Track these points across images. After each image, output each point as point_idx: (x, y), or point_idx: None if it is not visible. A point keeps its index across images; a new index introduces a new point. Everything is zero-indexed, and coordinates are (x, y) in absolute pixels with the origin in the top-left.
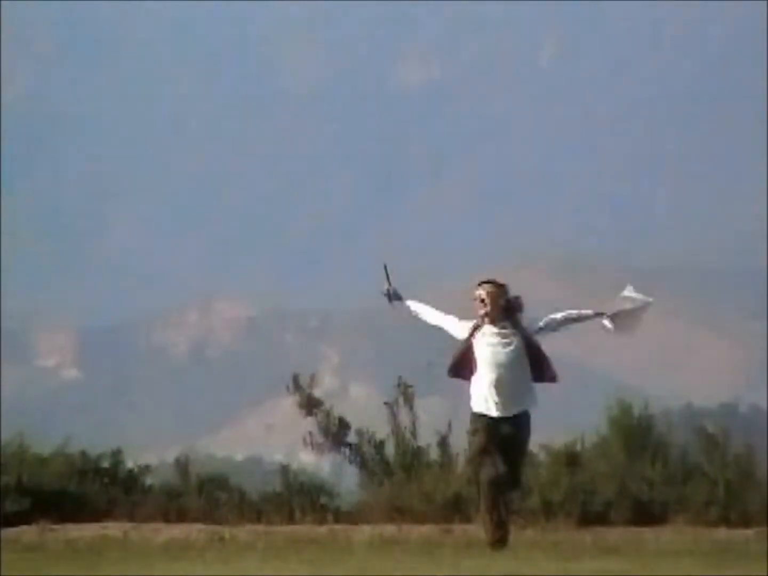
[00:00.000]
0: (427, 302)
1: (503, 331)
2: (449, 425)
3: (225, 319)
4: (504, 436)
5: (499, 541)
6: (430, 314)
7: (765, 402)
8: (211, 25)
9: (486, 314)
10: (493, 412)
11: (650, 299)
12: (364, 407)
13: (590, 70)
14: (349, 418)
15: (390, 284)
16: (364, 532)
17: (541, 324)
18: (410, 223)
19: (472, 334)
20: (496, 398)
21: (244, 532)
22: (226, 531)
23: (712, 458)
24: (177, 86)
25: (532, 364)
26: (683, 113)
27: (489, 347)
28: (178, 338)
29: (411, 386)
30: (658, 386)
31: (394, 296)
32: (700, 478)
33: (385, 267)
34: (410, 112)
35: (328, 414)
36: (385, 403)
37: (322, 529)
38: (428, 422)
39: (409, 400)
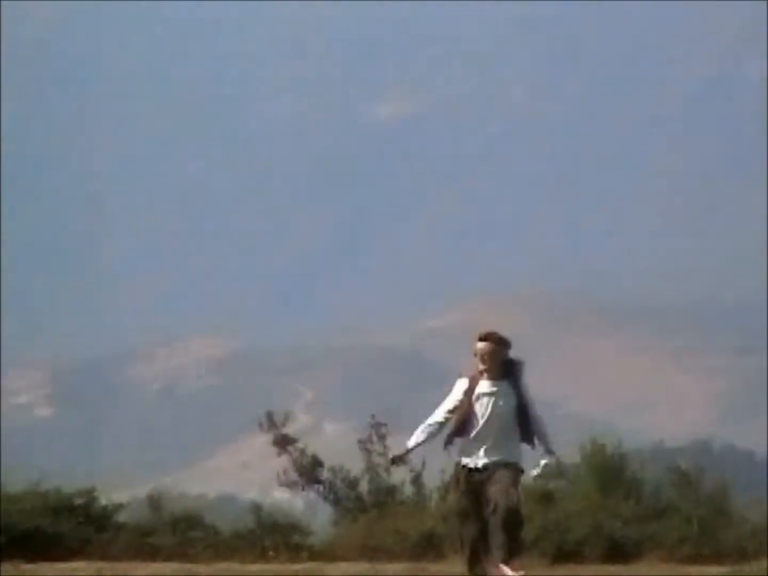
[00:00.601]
0: None
1: (501, 384)
2: (423, 463)
3: (198, 357)
4: (486, 477)
5: None
6: (433, 420)
7: (737, 439)
8: (186, 54)
9: (485, 370)
10: (479, 463)
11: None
12: (337, 445)
13: (563, 106)
14: (322, 455)
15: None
16: (338, 569)
17: (526, 400)
18: (382, 258)
19: (471, 391)
20: (482, 452)
21: (218, 570)
22: (199, 569)
23: (685, 495)
24: (141, 125)
25: (521, 425)
26: (652, 151)
27: (484, 398)
28: (152, 376)
29: (384, 424)
30: (631, 424)
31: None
32: (674, 515)
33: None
34: (384, 147)
35: (301, 451)
36: (359, 441)
37: (296, 567)
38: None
39: (382, 438)
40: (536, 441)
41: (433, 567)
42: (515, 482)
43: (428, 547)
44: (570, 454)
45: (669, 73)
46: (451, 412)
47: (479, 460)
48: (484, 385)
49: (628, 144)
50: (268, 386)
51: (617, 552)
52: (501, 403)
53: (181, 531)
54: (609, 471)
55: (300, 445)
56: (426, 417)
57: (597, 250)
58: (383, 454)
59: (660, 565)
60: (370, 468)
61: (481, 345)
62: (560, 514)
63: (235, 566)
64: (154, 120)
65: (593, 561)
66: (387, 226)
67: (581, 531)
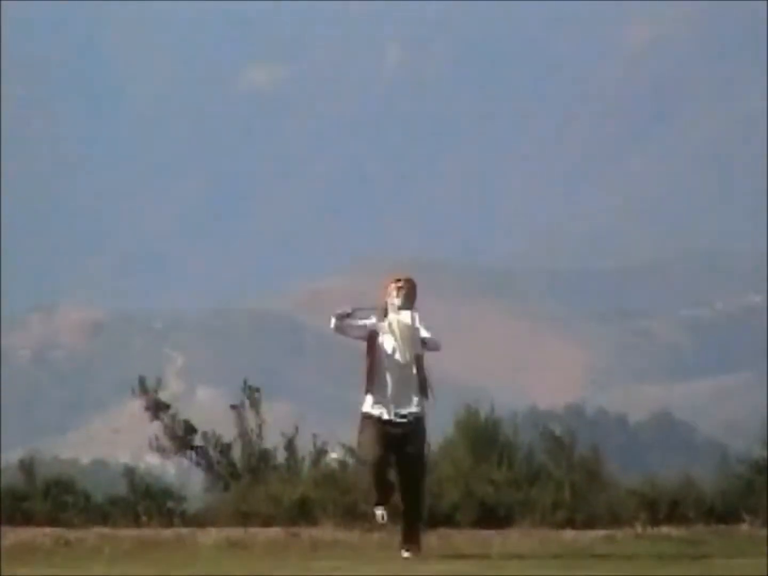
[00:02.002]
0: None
1: (412, 315)
2: (296, 428)
3: (70, 322)
4: (397, 438)
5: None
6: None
7: (610, 404)
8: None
9: (396, 304)
10: (385, 415)
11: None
12: (210, 410)
13: (437, 71)
14: (195, 421)
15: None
16: (210, 535)
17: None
18: (257, 224)
19: (379, 320)
20: (393, 401)
21: (91, 535)
22: (72, 535)
23: (558, 460)
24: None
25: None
26: (526, 116)
27: (391, 335)
28: (23, 341)
29: (257, 389)
30: (504, 389)
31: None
32: (546, 481)
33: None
34: (257, 114)
35: (174, 417)
36: (232, 406)
37: (168, 533)
38: (274, 425)
39: (255, 403)
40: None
41: (307, 532)
42: (422, 462)
43: (301, 512)
44: (443, 419)
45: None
46: (359, 324)
47: (387, 412)
48: (393, 318)
49: (506, 110)
50: (140, 352)
51: (490, 517)
52: (411, 328)
53: (54, 496)
54: (482, 436)
55: (172, 411)
56: (302, 382)
57: (472, 218)
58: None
59: (533, 531)
60: (243, 434)
61: (397, 280)
62: (433, 480)
63: (108, 531)
64: None
65: (466, 526)
66: (266, 189)
67: (453, 496)
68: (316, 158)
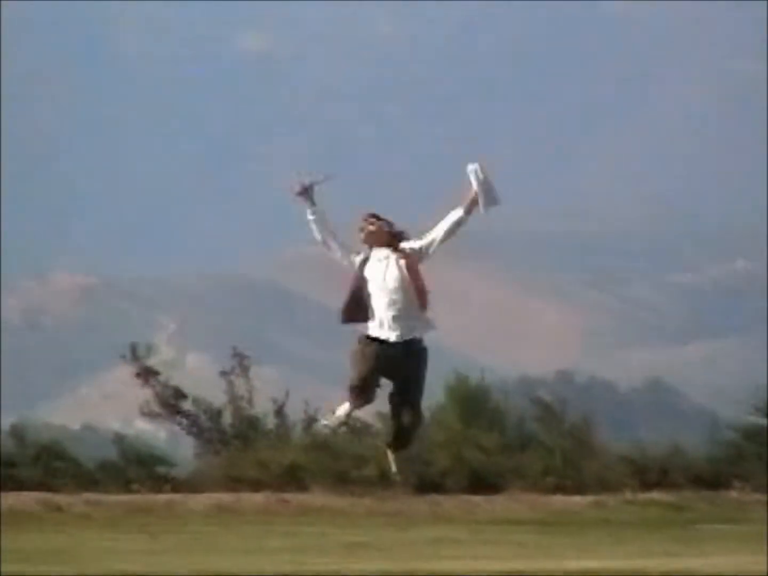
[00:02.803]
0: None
1: (392, 255)
2: (286, 394)
3: (61, 288)
4: (397, 362)
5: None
6: (327, 235)
7: (601, 371)
8: None
9: (368, 241)
10: (390, 336)
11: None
12: (200, 377)
13: (425, 36)
14: (185, 387)
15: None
16: (200, 501)
17: (422, 244)
18: (246, 190)
19: (362, 267)
20: (391, 322)
21: (81, 501)
22: (62, 500)
23: (548, 427)
24: None
25: (417, 289)
26: (519, 74)
27: (378, 271)
28: (13, 306)
29: (247, 356)
30: (495, 356)
31: (310, 192)
32: (537, 447)
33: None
34: (248, 81)
35: (164, 383)
36: (222, 373)
37: (159, 498)
38: (264, 391)
39: (245, 370)
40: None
41: (295, 498)
42: (420, 382)
43: (290, 478)
44: (433, 386)
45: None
46: (330, 247)
47: (391, 334)
48: (374, 256)
49: (495, 73)
50: (131, 318)
51: (480, 483)
52: (398, 270)
53: (44, 462)
54: (472, 403)
55: (163, 377)
56: (290, 348)
57: (460, 183)
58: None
59: (523, 496)
60: (233, 400)
61: (362, 223)
62: (423, 446)
63: (98, 497)
64: None
65: (456, 492)
66: (256, 155)
67: (444, 462)
68: (305, 124)
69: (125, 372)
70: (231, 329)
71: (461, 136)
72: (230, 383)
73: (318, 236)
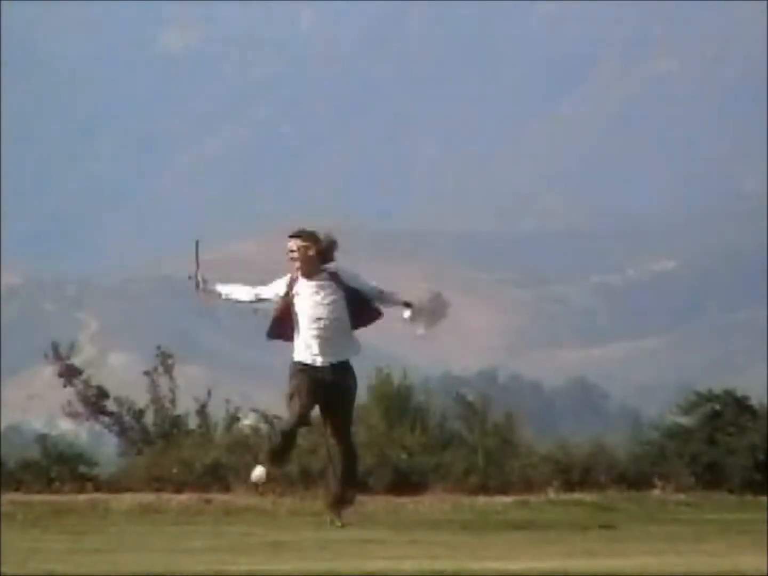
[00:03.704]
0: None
1: (320, 282)
2: (209, 393)
3: None
4: (326, 385)
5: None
6: (242, 291)
7: (524, 370)
8: None
9: (298, 268)
10: (316, 362)
11: (449, 302)
12: (123, 376)
13: (350, 33)
14: (108, 386)
15: (198, 267)
16: (123, 500)
17: (356, 285)
18: (171, 188)
19: (289, 289)
20: (317, 349)
21: (4, 501)
22: None
23: (471, 426)
24: None
25: (352, 312)
26: (448, 72)
27: (308, 300)
28: None
29: (170, 355)
30: (417, 354)
31: (202, 282)
32: (460, 446)
33: (197, 245)
34: (171, 80)
35: (87, 383)
36: (145, 372)
37: (82, 498)
38: (187, 390)
39: (168, 369)
40: (377, 304)
41: (219, 497)
42: (349, 404)
43: (214, 477)
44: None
45: None
46: (260, 296)
47: (317, 359)
48: (303, 284)
49: (420, 71)
50: (53, 317)
51: (403, 483)
52: (329, 297)
53: None
54: (395, 401)
55: (85, 376)
56: (213, 347)
57: (386, 181)
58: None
59: (446, 496)
60: (156, 399)
61: (289, 243)
62: None
63: (21, 497)
64: None
65: (379, 492)
66: (179, 153)
67: (367, 462)
68: (229, 122)
69: (48, 372)
70: (154, 328)
71: (389, 134)
72: (153, 383)
73: (246, 300)
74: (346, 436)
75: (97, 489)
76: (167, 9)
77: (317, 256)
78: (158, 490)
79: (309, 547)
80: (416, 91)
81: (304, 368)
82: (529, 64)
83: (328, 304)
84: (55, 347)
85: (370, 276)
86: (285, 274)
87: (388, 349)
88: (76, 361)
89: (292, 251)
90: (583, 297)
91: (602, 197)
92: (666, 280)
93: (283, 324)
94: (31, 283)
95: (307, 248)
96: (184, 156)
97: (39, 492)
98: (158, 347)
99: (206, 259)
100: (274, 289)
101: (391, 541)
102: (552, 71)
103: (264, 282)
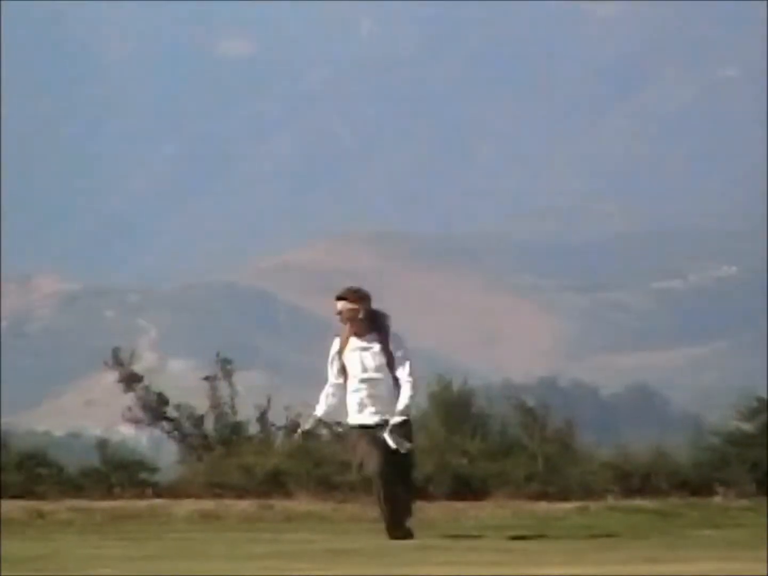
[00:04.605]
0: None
1: (369, 338)
2: (268, 400)
3: (44, 294)
4: (384, 443)
5: (398, 537)
6: (325, 394)
7: (584, 376)
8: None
9: (349, 328)
10: (369, 420)
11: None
12: (183, 382)
13: (410, 42)
14: (168, 393)
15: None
16: (183, 506)
17: (399, 354)
18: (231, 193)
19: (342, 347)
20: (371, 407)
21: (64, 507)
22: (45, 507)
23: (531, 433)
24: None
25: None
26: (506, 83)
27: (356, 354)
28: None
29: (230, 361)
30: (478, 361)
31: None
32: (520, 453)
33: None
34: (231, 86)
35: (147, 389)
36: (205, 378)
37: (142, 504)
38: (247, 397)
39: (228, 375)
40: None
41: (280, 504)
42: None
43: (274, 484)
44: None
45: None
46: (337, 376)
47: (371, 417)
48: (353, 343)
49: (479, 82)
50: (114, 324)
51: (464, 489)
52: (376, 354)
53: (27, 469)
54: (455, 408)
55: (145, 382)
56: (273, 353)
57: (445, 189)
58: (233, 396)
59: (507, 502)
60: (216, 405)
61: (338, 305)
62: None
63: (81, 503)
64: None
65: (440, 498)
66: (239, 161)
67: (427, 468)
68: (288, 130)
69: (108, 378)
70: (214, 335)
71: (448, 140)
72: (213, 389)
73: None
74: (408, 490)
75: (157, 495)
76: (226, 14)
77: (366, 318)
78: (218, 496)
79: (369, 554)
80: (476, 96)
81: (361, 432)
82: (589, 68)
83: (375, 360)
84: (116, 354)
85: (428, 283)
86: (340, 281)
87: (449, 355)
88: (136, 367)
89: (339, 313)
90: (644, 303)
91: (662, 202)
92: (727, 286)
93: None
94: (91, 290)
95: (355, 311)
96: (244, 161)
97: (99, 498)
98: (218, 353)
99: (265, 265)
100: (333, 354)
101: (452, 547)
102: (612, 75)
103: (318, 289)
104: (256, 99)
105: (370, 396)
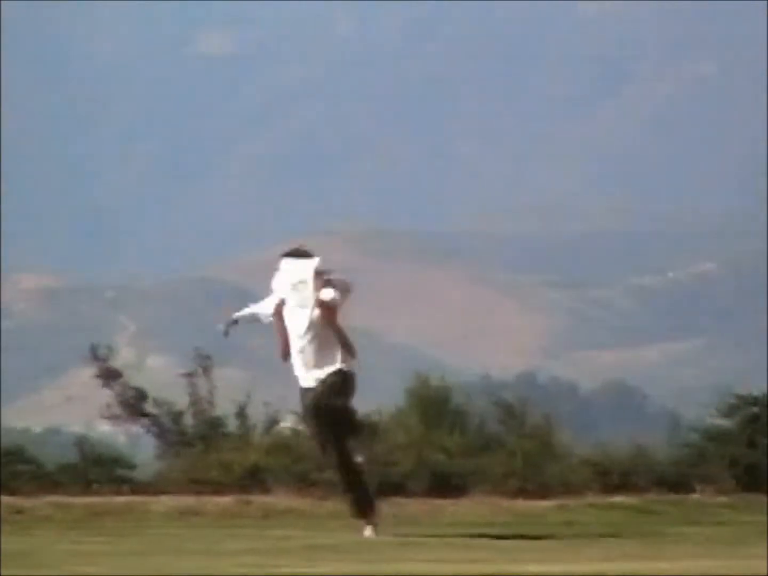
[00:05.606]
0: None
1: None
2: (247, 395)
3: (21, 290)
4: (320, 402)
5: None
6: (256, 309)
7: (563, 372)
8: None
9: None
10: (305, 383)
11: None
12: (161, 378)
13: (389, 37)
14: (146, 388)
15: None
16: (161, 503)
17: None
18: (210, 190)
19: (278, 308)
20: (303, 368)
21: (42, 503)
22: (23, 503)
23: (510, 429)
24: None
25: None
26: (485, 76)
27: (291, 313)
28: None
29: (209, 357)
30: (456, 357)
31: (229, 325)
32: (499, 450)
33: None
34: (211, 84)
35: (125, 385)
36: (183, 374)
37: (120, 500)
38: (226, 393)
39: (207, 371)
40: None
41: (259, 500)
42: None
43: (253, 480)
44: (394, 387)
45: None
46: (264, 313)
47: (305, 380)
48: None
49: (458, 75)
50: (92, 319)
51: (442, 485)
52: (307, 309)
53: (5, 465)
54: (433, 404)
55: (124, 378)
56: (254, 351)
57: (425, 186)
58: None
59: (485, 499)
60: (195, 401)
61: (282, 262)
62: (384, 448)
63: (60, 499)
64: None
65: (418, 494)
66: (218, 157)
67: (405, 465)
68: (268, 128)
69: (86, 374)
70: (192, 331)
71: (428, 136)
72: (192, 385)
73: (249, 315)
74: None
75: (135, 491)
76: (206, 11)
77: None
78: (197, 492)
79: (348, 550)
80: (455, 94)
81: (303, 396)
82: (570, 66)
83: (307, 315)
84: (94, 349)
85: (406, 278)
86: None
87: (425, 351)
88: (115, 363)
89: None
90: (622, 299)
91: (642, 199)
92: (706, 283)
93: (288, 346)
94: (69, 285)
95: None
96: (223, 158)
97: (78, 494)
98: (196, 349)
99: (245, 262)
100: (267, 306)
101: (430, 544)
102: (593, 72)
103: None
104: (236, 97)
105: (302, 354)
